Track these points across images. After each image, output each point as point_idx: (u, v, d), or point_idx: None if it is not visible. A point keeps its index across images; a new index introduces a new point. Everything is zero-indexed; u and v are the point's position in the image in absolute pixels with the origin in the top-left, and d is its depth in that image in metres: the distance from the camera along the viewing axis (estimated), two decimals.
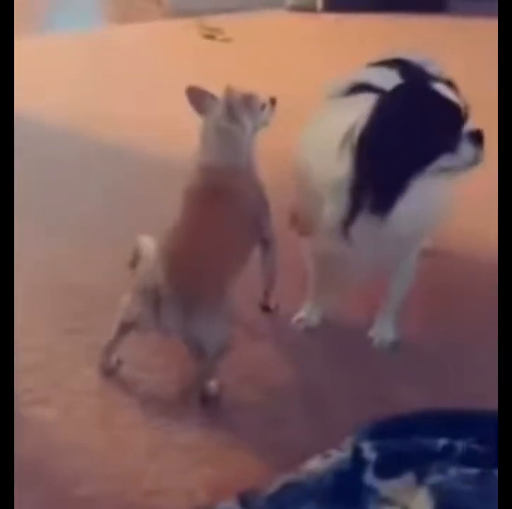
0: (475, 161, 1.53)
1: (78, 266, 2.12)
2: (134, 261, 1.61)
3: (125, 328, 1.61)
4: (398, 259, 1.74)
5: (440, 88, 1.54)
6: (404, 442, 1.37)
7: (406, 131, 1.47)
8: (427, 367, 1.74)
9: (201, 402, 1.60)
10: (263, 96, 1.81)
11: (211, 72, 3.72)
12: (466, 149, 1.51)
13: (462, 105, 1.53)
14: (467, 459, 1.36)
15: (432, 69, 1.78)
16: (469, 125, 1.53)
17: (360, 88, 1.74)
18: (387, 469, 1.32)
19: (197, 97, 1.75)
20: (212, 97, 1.75)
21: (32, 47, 4.31)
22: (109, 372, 1.67)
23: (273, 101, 1.83)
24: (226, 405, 1.60)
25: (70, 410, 1.59)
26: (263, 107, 1.80)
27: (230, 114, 1.71)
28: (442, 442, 1.37)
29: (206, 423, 1.55)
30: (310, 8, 5.23)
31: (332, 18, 5.08)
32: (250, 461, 1.45)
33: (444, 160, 1.51)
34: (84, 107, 3.40)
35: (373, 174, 1.50)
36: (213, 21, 4.74)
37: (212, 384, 1.61)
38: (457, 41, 4.38)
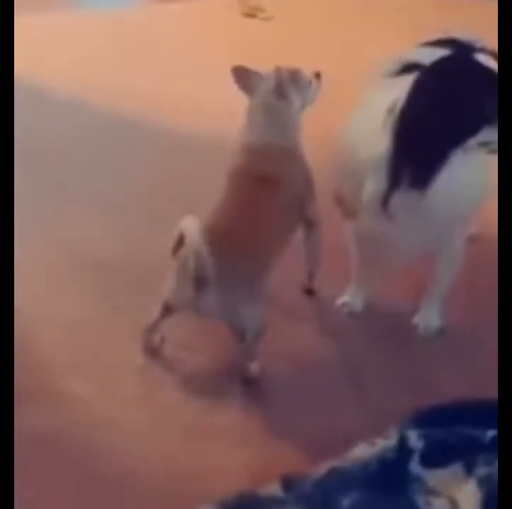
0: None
1: (116, 243, 2.11)
2: (177, 247, 1.56)
3: (168, 309, 1.60)
4: (443, 241, 1.70)
5: (483, 58, 1.49)
6: (451, 431, 1.34)
7: (447, 103, 1.44)
8: (472, 355, 1.71)
9: (243, 383, 1.58)
10: (308, 72, 1.78)
11: (252, 51, 3.68)
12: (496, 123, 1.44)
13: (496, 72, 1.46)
14: None
15: (484, 45, 1.72)
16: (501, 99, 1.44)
17: (410, 67, 1.70)
18: (434, 458, 1.29)
19: (243, 77, 1.73)
20: (258, 75, 1.73)
21: (65, 22, 4.29)
22: (152, 351, 1.66)
23: (318, 76, 1.80)
24: (268, 387, 1.59)
25: (109, 387, 1.59)
26: (310, 83, 1.78)
27: (279, 91, 1.70)
28: (490, 432, 1.34)
29: (248, 404, 1.54)
30: None
31: None
32: (292, 444, 1.44)
33: (486, 133, 1.46)
34: (117, 86, 3.37)
35: (413, 147, 1.47)
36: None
37: (253, 366, 1.60)
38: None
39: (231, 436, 1.46)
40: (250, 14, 4.52)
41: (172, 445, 1.45)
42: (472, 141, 1.47)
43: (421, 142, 1.46)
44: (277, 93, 1.69)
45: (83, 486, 1.36)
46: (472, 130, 1.46)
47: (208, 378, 1.62)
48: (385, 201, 1.53)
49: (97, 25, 4.36)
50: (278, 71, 1.71)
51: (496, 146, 1.48)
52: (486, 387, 1.56)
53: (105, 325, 1.77)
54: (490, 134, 1.46)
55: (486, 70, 1.46)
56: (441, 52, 1.70)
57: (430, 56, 1.69)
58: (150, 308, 1.63)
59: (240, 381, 1.58)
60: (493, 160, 1.53)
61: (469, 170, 1.49)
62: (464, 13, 4.40)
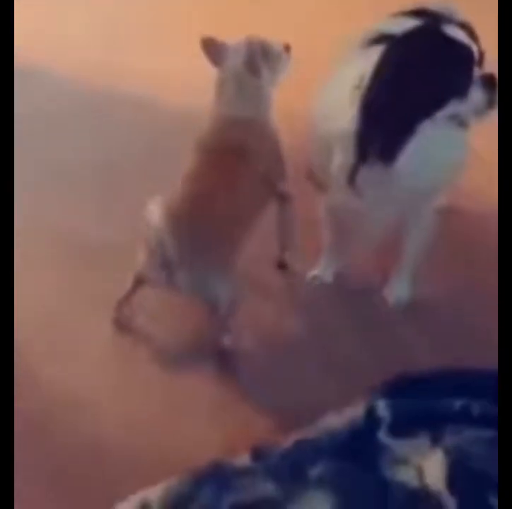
0: (486, 107, 1.47)
1: (90, 218, 2.09)
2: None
3: (139, 283, 1.60)
4: (411, 213, 1.70)
5: (453, 30, 1.48)
6: (420, 402, 1.36)
7: (414, 76, 1.43)
8: (441, 326, 1.73)
9: (216, 355, 1.60)
10: (277, 45, 1.75)
11: (227, 18, 3.63)
12: (476, 94, 1.46)
13: (475, 49, 1.47)
14: (482, 420, 1.35)
15: (454, 16, 1.72)
16: (482, 70, 1.47)
17: (381, 38, 1.69)
18: (402, 428, 1.31)
19: (212, 49, 1.71)
20: (227, 47, 1.71)
21: None
22: (123, 326, 1.66)
23: (287, 48, 1.77)
24: (240, 360, 1.60)
25: (80, 363, 1.59)
26: (279, 55, 1.75)
27: (250, 65, 1.67)
28: (458, 402, 1.36)
29: (221, 376, 1.55)
30: None
31: None
32: (264, 414, 1.46)
33: (454, 106, 1.46)
34: (87, 52, 3.32)
35: (380, 120, 1.47)
36: None
37: (226, 338, 1.61)
38: None
39: (205, 408, 1.48)
40: None
41: (146, 419, 1.46)
42: (440, 114, 1.47)
43: (387, 115, 1.46)
44: (248, 66, 1.67)
45: (61, 458, 1.38)
46: (440, 103, 1.46)
47: (182, 350, 1.63)
48: (352, 175, 1.53)
49: None
50: (249, 43, 1.68)
51: (464, 118, 1.48)
52: (454, 357, 1.59)
53: (75, 299, 1.77)
54: (457, 107, 1.46)
55: (454, 42, 1.46)
56: (413, 22, 1.69)
57: (401, 26, 1.67)
58: (122, 282, 1.63)
59: (213, 353, 1.59)
60: (462, 133, 1.54)
61: (437, 143, 1.49)
62: None
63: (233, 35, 1.73)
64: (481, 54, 1.49)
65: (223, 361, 1.59)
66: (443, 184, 1.67)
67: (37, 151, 2.40)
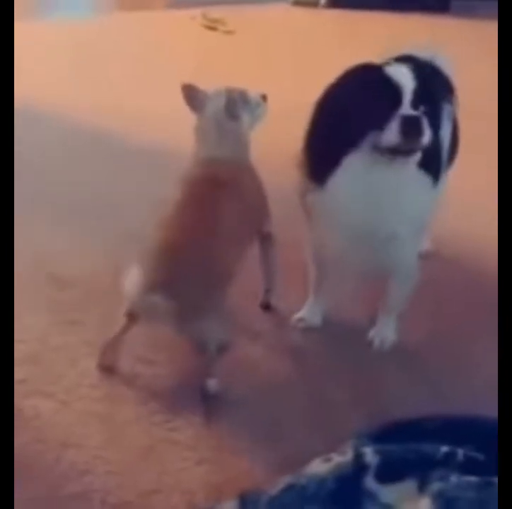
0: (399, 146, 1.53)
1: (74, 257, 2.10)
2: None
3: (129, 322, 1.60)
4: (392, 259, 1.73)
5: (395, 69, 1.57)
6: (406, 447, 1.36)
7: (347, 108, 1.54)
8: (427, 369, 1.73)
9: (201, 400, 1.58)
10: (255, 93, 1.83)
11: (213, 64, 3.70)
12: (390, 130, 1.52)
13: (408, 88, 1.53)
14: (467, 466, 1.35)
15: (439, 64, 1.78)
16: (409, 110, 1.52)
17: None
18: (389, 474, 1.31)
19: (192, 95, 1.76)
20: (205, 94, 1.77)
21: (29, 31, 4.26)
22: (108, 368, 1.65)
23: (264, 98, 1.85)
24: (225, 402, 1.59)
25: (66, 403, 1.57)
26: (258, 104, 1.82)
27: (230, 111, 1.73)
28: (443, 449, 1.36)
29: (206, 421, 1.54)
30: (314, 4, 5.20)
31: (334, 13, 5.06)
32: (249, 460, 1.44)
33: (373, 138, 1.54)
34: (78, 94, 3.36)
35: (314, 146, 1.60)
36: (216, 12, 4.71)
37: (212, 382, 1.60)
38: (459, 40, 4.37)
39: (190, 453, 1.46)
40: (211, 27, 4.55)
41: (130, 462, 1.44)
42: (364, 144, 1.55)
43: (320, 141, 1.59)
44: (228, 113, 1.73)
45: (43, 503, 1.35)
46: (362, 133, 1.55)
47: (168, 393, 1.62)
48: (302, 197, 1.66)
49: (60, 33, 4.34)
50: (229, 91, 1.75)
51: (383, 150, 1.55)
52: (441, 400, 1.60)
53: (61, 339, 1.76)
54: (376, 139, 1.54)
55: (386, 80, 1.54)
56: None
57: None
58: (110, 324, 1.62)
59: (198, 397, 1.58)
60: (422, 179, 1.60)
61: (390, 184, 1.58)
62: (425, 30, 4.50)
63: (223, 76, 1.77)
64: (417, 93, 1.53)
65: (209, 406, 1.58)
66: (411, 227, 1.69)
67: (21, 188, 2.41)
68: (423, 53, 1.80)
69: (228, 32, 4.51)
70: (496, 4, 2.41)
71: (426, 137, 1.52)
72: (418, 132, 1.51)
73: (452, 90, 1.66)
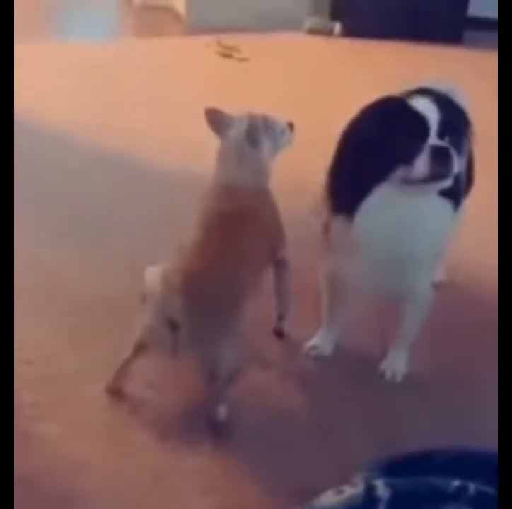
0: (431, 177, 1.53)
1: (85, 277, 2.10)
2: (144, 298, 1.57)
3: (140, 348, 1.59)
4: (406, 289, 1.73)
5: (418, 102, 1.57)
6: (417, 481, 1.34)
7: (373, 141, 1.54)
8: (439, 401, 1.72)
9: (210, 427, 1.57)
10: (282, 120, 1.82)
11: (227, 91, 3.73)
12: (420, 162, 1.53)
13: (434, 119, 1.54)
14: (478, 501, 1.33)
15: (456, 97, 1.79)
16: (435, 140, 1.53)
17: None
18: (400, 507, 1.29)
19: (215, 119, 1.76)
20: (230, 118, 1.76)
21: (46, 53, 4.32)
22: (117, 392, 1.64)
23: (291, 126, 1.84)
24: (235, 432, 1.58)
25: (75, 427, 1.56)
26: (283, 131, 1.81)
27: (251, 138, 1.72)
28: (455, 483, 1.34)
29: (215, 448, 1.53)
30: (328, 33, 5.24)
31: (348, 42, 5.10)
32: (258, 490, 1.43)
33: (402, 172, 1.55)
34: (93, 119, 3.39)
35: (341, 179, 1.60)
36: (231, 39, 4.75)
37: (222, 410, 1.59)
38: (472, 72, 4.40)
39: (198, 481, 1.45)
40: (226, 54, 4.59)
41: (138, 489, 1.43)
42: (392, 177, 1.56)
43: (347, 176, 1.59)
44: (249, 139, 1.72)
45: None
46: (390, 167, 1.55)
47: (176, 420, 1.61)
48: (326, 230, 1.65)
49: (73, 58, 4.38)
50: (251, 117, 1.74)
51: (414, 182, 1.55)
52: (454, 433, 1.59)
53: (71, 362, 1.75)
54: (405, 173, 1.55)
55: (413, 113, 1.55)
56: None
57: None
58: (119, 347, 1.62)
59: (207, 424, 1.57)
60: (442, 205, 1.60)
61: (412, 213, 1.59)
62: (437, 61, 4.53)
63: (238, 104, 1.78)
64: (443, 125, 1.55)
65: (218, 433, 1.56)
66: (428, 253, 1.69)
67: (29, 207, 2.42)
68: (439, 86, 1.82)
69: (243, 60, 4.54)
70: None
71: (456, 166, 1.53)
72: (448, 161, 1.52)
73: (469, 123, 1.67)
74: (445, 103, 1.60)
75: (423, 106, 1.56)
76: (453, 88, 1.80)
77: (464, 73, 4.17)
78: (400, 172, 1.55)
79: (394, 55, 4.86)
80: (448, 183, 1.56)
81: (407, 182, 1.55)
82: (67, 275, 2.11)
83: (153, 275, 1.56)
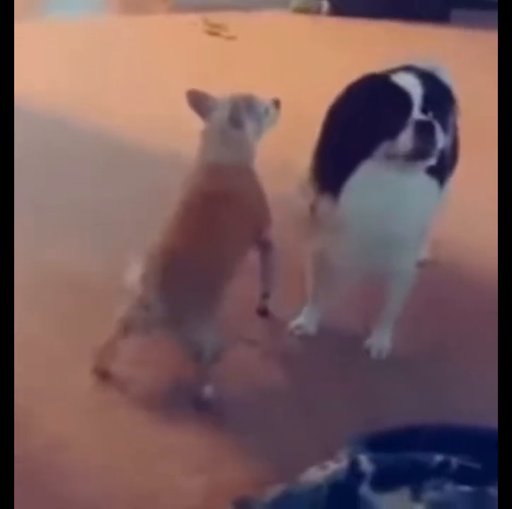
0: (415, 151, 1.53)
1: (74, 260, 2.09)
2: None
3: (123, 329, 1.59)
4: (391, 268, 1.74)
5: (400, 77, 1.58)
6: (401, 456, 1.36)
7: (357, 118, 1.54)
8: (423, 377, 1.74)
9: (196, 406, 1.58)
10: (266, 98, 1.81)
11: (215, 70, 3.71)
12: (404, 137, 1.53)
13: (417, 94, 1.54)
14: (462, 475, 1.35)
15: (441, 75, 1.79)
16: (419, 115, 1.53)
17: None
18: (384, 482, 1.30)
19: (198, 101, 1.75)
20: (212, 100, 1.75)
21: (30, 31, 4.26)
22: (103, 373, 1.64)
23: (277, 103, 1.83)
24: (221, 409, 1.59)
25: (62, 407, 1.57)
26: (267, 110, 1.80)
27: (234, 120, 1.72)
28: (438, 457, 1.36)
29: (201, 427, 1.53)
30: (315, 11, 5.21)
31: (335, 21, 5.07)
32: (245, 468, 1.44)
33: (386, 147, 1.55)
34: (78, 96, 3.36)
35: (326, 157, 1.60)
36: (218, 18, 4.71)
37: (207, 389, 1.59)
38: (458, 51, 4.39)
39: (184, 458, 1.46)
40: (213, 32, 4.55)
41: (125, 466, 1.44)
42: (377, 153, 1.55)
43: (333, 154, 1.59)
44: (232, 121, 1.71)
45: (38, 504, 1.35)
46: (374, 142, 1.55)
47: (162, 398, 1.61)
48: (313, 210, 1.64)
49: (57, 36, 4.34)
50: (233, 99, 1.73)
51: (398, 157, 1.55)
52: (438, 409, 1.60)
53: (58, 344, 1.75)
54: (390, 148, 1.55)
55: (395, 88, 1.55)
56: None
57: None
58: (105, 328, 1.62)
59: (193, 403, 1.58)
60: (427, 182, 1.60)
61: (397, 190, 1.59)
62: (424, 40, 4.51)
63: (225, 82, 1.77)
64: (429, 100, 1.55)
65: (203, 411, 1.57)
66: (413, 231, 1.70)
67: (24, 190, 2.41)
68: (424, 64, 1.81)
69: (230, 38, 4.51)
70: (496, 14, 2.41)
71: (440, 142, 1.53)
72: (432, 136, 1.52)
73: (454, 100, 1.67)
74: (429, 79, 1.59)
75: (406, 81, 1.56)
76: (438, 65, 1.80)
77: (451, 51, 4.16)
78: (384, 147, 1.55)
79: (381, 34, 4.84)
80: (432, 161, 1.56)
81: (391, 157, 1.55)
82: (56, 259, 2.09)
83: (133, 273, 1.54)
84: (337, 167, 1.59)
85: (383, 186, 1.59)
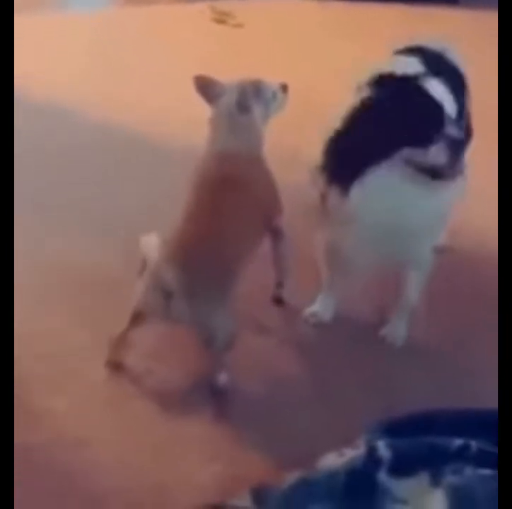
0: (446, 166, 1.53)
1: (90, 257, 2.09)
2: (142, 269, 1.57)
3: (138, 317, 1.59)
4: (409, 256, 1.72)
5: (433, 85, 1.56)
6: (419, 441, 1.35)
7: (382, 119, 1.53)
8: (439, 365, 1.73)
9: (211, 394, 1.58)
10: (274, 83, 1.79)
11: (223, 57, 3.69)
12: (437, 150, 1.52)
13: (449, 107, 1.54)
14: (481, 459, 1.34)
15: (451, 57, 1.77)
16: (454, 130, 1.53)
17: (385, 77, 1.74)
18: (402, 468, 1.30)
19: (205, 87, 1.74)
20: (220, 85, 1.73)
21: (36, 24, 4.24)
22: (117, 364, 1.64)
23: (284, 88, 1.81)
24: (236, 398, 1.59)
25: (79, 401, 1.57)
26: (274, 95, 1.78)
27: (241, 105, 1.70)
28: (457, 442, 1.35)
29: (217, 416, 1.54)
30: None
31: (343, 6, 5.02)
32: (261, 456, 1.44)
33: (408, 153, 1.53)
34: (85, 88, 3.35)
35: (342, 152, 1.57)
36: (225, 5, 4.68)
37: (222, 376, 1.60)
38: (468, 33, 4.34)
39: (201, 449, 1.46)
40: (220, 20, 4.52)
41: (141, 458, 1.44)
42: (397, 156, 1.54)
43: (353, 147, 1.56)
44: (239, 107, 1.70)
45: (56, 501, 1.35)
46: (397, 145, 1.54)
47: (177, 389, 1.62)
48: (323, 201, 1.62)
49: (67, 29, 4.33)
50: (241, 84, 1.72)
51: (421, 165, 1.54)
52: (453, 396, 1.59)
53: (76, 336, 1.75)
54: (416, 155, 1.54)
55: (427, 97, 1.54)
56: (411, 60, 1.74)
57: (401, 65, 1.73)
58: (119, 321, 1.61)
59: (208, 391, 1.58)
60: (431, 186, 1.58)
61: (396, 186, 1.57)
62: (433, 23, 4.46)
63: (233, 70, 1.75)
64: (463, 113, 1.53)
65: (219, 400, 1.57)
66: (421, 224, 1.67)
67: (35, 185, 2.41)
68: (433, 45, 1.80)
69: (237, 25, 4.47)
70: None
71: (464, 161, 1.54)
72: (462, 155, 1.53)
73: (466, 85, 1.66)
74: (439, 63, 1.58)
75: (437, 89, 1.55)
76: (447, 46, 1.78)
77: (461, 34, 4.12)
78: (406, 153, 1.53)
79: (389, 17, 4.78)
80: (460, 181, 1.55)
81: (411, 164, 1.53)
82: (73, 254, 2.09)
83: (149, 243, 1.56)
84: (351, 162, 1.56)
85: (397, 188, 1.57)
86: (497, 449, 1.34)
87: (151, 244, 1.55)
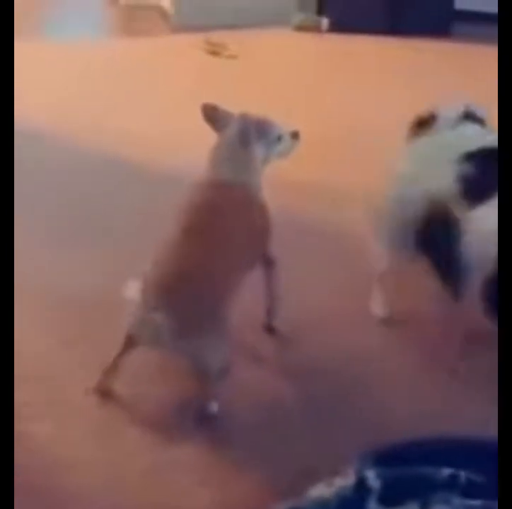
0: None
1: (75, 276, 2.10)
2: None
3: (129, 345, 1.59)
4: None
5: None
6: (408, 470, 1.35)
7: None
8: (428, 393, 1.72)
9: (201, 422, 1.58)
10: (283, 126, 1.80)
11: (216, 89, 3.72)
12: None
13: None
14: (470, 489, 1.35)
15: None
16: None
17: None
18: (391, 497, 1.30)
19: (213, 115, 1.75)
20: (227, 115, 1.75)
21: (32, 53, 4.30)
22: (105, 392, 1.64)
23: (295, 135, 1.81)
24: (227, 425, 1.59)
25: (66, 425, 1.57)
26: (280, 138, 1.79)
27: (242, 138, 1.71)
28: (445, 471, 1.35)
29: (207, 442, 1.53)
30: (316, 29, 5.24)
31: (336, 38, 5.10)
32: (251, 482, 1.44)
33: None
34: (82, 118, 3.38)
35: (472, 185, 1.72)
36: (219, 37, 4.74)
37: (212, 404, 1.59)
38: (460, 65, 4.41)
39: (191, 474, 1.45)
40: (214, 52, 4.58)
41: (131, 484, 1.43)
42: None
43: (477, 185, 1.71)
44: (240, 139, 1.71)
45: None
46: None
47: (166, 415, 1.61)
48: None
49: (64, 58, 4.38)
50: (245, 117, 1.73)
51: None
52: (443, 423, 1.59)
53: (61, 360, 1.76)
54: None
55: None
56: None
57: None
58: (110, 345, 1.62)
59: (199, 420, 1.58)
60: None
61: None
62: (428, 55, 4.52)
63: (227, 103, 1.78)
64: None
65: (209, 428, 1.57)
66: None
67: (23, 209, 2.42)
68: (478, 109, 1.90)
69: (231, 57, 4.54)
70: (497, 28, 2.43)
71: None
72: None
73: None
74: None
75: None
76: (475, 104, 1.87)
77: (452, 66, 4.18)
78: None
79: (383, 50, 4.86)
80: None
81: None
82: (60, 276, 2.10)
83: (132, 291, 1.54)
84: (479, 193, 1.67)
85: None
86: (482, 479, 1.35)
87: (133, 288, 1.53)
